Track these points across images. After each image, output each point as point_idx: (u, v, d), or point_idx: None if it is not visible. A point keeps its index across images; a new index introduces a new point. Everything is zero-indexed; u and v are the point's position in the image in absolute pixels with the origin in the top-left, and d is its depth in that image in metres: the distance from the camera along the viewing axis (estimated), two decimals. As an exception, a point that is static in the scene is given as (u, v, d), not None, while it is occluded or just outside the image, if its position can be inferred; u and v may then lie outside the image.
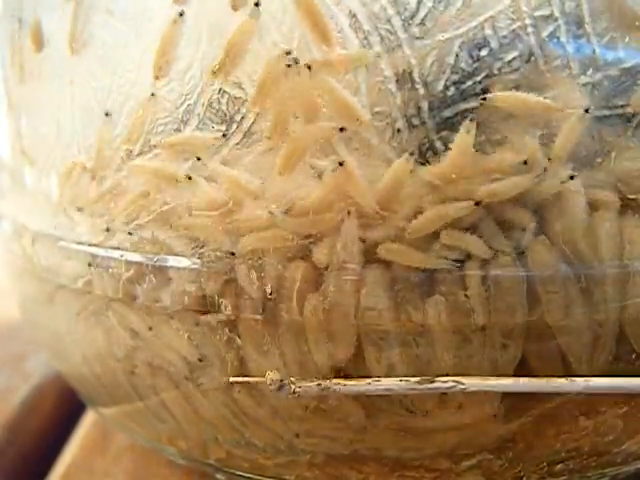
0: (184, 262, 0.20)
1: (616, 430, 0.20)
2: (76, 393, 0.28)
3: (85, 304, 0.23)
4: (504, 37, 0.18)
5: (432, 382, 0.18)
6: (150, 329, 0.21)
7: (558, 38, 0.18)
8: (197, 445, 0.23)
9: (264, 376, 0.19)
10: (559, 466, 0.21)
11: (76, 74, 0.22)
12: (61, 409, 0.33)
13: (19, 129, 0.25)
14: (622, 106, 0.18)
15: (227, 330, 0.20)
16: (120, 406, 0.25)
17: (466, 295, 0.18)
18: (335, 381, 0.19)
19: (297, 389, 0.18)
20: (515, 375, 0.19)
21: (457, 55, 0.18)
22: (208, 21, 0.19)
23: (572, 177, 0.18)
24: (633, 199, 0.18)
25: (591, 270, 0.18)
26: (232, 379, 0.19)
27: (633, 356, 0.19)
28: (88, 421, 0.30)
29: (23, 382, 0.33)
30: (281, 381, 0.18)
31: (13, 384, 0.33)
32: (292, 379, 0.19)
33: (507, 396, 0.19)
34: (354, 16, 0.18)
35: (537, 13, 0.18)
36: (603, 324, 0.19)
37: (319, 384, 0.19)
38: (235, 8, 0.19)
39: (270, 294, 0.19)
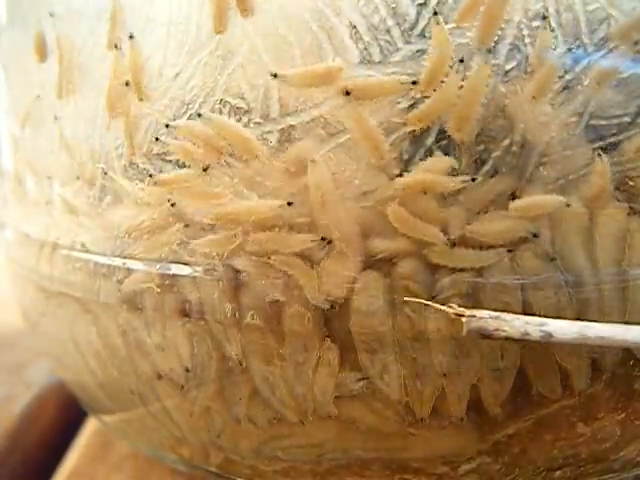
0: (186, 270, 0.20)
1: (614, 437, 0.21)
2: (77, 401, 0.29)
3: (88, 312, 0.23)
4: (502, 48, 0.18)
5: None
6: (153, 336, 0.21)
7: (555, 49, 0.18)
8: (198, 452, 0.23)
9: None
10: (557, 473, 0.21)
11: (79, 84, 0.22)
12: (62, 417, 0.33)
13: (22, 138, 0.25)
14: (619, 116, 0.18)
15: (230, 337, 0.20)
16: (122, 413, 0.25)
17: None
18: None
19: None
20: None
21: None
22: (208, 30, 0.19)
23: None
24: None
25: (586, 278, 0.18)
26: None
27: (631, 362, 0.19)
28: (89, 429, 0.30)
29: (24, 391, 0.33)
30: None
31: (14, 393, 0.33)
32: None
33: (507, 401, 0.19)
34: (354, 27, 0.18)
35: (534, 24, 0.18)
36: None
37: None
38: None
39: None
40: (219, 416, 0.21)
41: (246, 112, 0.19)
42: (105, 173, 0.21)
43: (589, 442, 0.20)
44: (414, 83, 0.18)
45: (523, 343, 0.19)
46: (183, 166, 0.20)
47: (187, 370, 0.21)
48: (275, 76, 0.18)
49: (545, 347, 0.19)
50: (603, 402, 0.20)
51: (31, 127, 0.24)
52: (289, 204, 0.19)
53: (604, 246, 0.19)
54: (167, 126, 0.20)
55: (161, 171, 0.20)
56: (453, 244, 0.18)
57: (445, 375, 0.19)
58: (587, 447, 0.21)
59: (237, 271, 0.19)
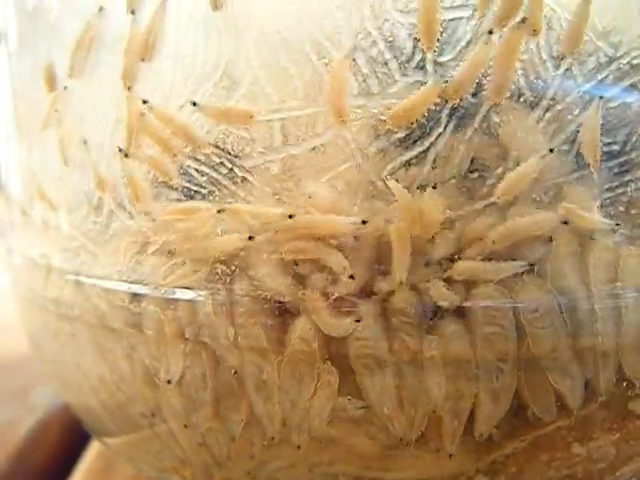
0: (190, 294, 0.20)
1: (609, 457, 0.21)
2: (80, 425, 0.29)
3: (94, 335, 0.23)
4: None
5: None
6: (155, 359, 0.22)
7: (546, 80, 0.19)
8: (202, 473, 0.23)
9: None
10: (553, 493, 0.21)
11: (85, 110, 0.23)
12: (66, 441, 0.33)
13: (29, 164, 0.26)
14: (608, 144, 0.19)
15: (231, 360, 0.20)
16: (126, 435, 0.25)
17: (462, 325, 0.19)
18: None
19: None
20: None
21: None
22: (214, 63, 0.20)
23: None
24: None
25: (579, 301, 0.19)
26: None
27: (624, 383, 0.20)
28: (93, 453, 0.31)
29: (28, 414, 0.34)
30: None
31: (18, 416, 0.33)
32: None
33: (503, 422, 0.20)
34: (353, 60, 0.19)
35: (526, 56, 0.18)
36: (593, 355, 0.19)
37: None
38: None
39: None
40: (220, 437, 0.22)
41: (249, 142, 0.20)
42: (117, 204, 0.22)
43: (585, 462, 0.21)
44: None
45: (519, 365, 0.19)
46: (189, 196, 0.20)
47: (187, 392, 0.21)
48: (194, 104, 0.20)
49: (539, 369, 0.19)
50: (598, 423, 0.20)
51: (38, 153, 0.25)
52: (364, 222, 0.19)
53: (597, 269, 0.19)
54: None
55: (166, 198, 0.21)
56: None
57: (442, 398, 0.19)
58: (583, 467, 0.21)
59: (240, 295, 0.20)
